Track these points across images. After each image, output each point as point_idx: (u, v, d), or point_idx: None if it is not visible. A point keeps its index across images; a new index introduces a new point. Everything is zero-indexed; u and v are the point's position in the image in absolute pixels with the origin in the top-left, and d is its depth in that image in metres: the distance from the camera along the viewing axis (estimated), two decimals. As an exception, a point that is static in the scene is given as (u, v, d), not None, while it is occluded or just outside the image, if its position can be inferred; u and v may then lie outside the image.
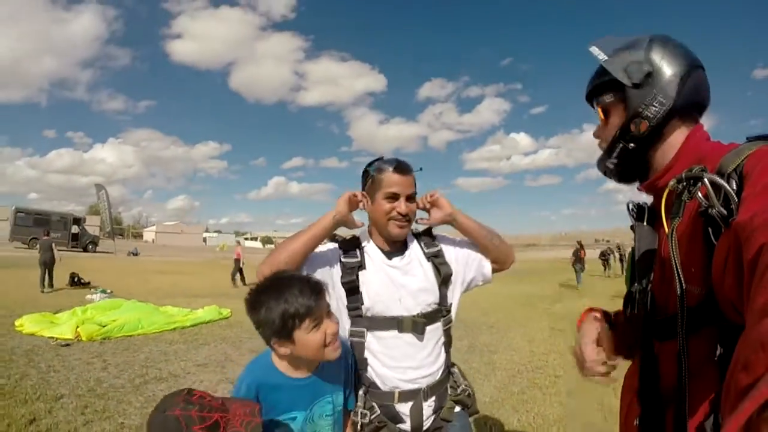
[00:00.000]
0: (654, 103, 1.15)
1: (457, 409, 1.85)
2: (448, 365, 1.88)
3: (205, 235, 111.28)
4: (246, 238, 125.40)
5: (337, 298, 1.77)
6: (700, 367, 0.99)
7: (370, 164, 1.87)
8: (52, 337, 6.69)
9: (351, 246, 1.84)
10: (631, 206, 1.34)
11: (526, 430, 3.98)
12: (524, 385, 5.31)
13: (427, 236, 1.94)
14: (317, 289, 1.50)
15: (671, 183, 1.06)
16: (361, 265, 1.79)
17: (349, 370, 1.70)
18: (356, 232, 1.93)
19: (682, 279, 0.98)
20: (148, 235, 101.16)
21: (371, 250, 1.84)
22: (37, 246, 15.30)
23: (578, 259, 18.22)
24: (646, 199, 1.33)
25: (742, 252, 0.67)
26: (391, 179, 1.76)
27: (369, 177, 1.82)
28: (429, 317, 1.78)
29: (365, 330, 1.75)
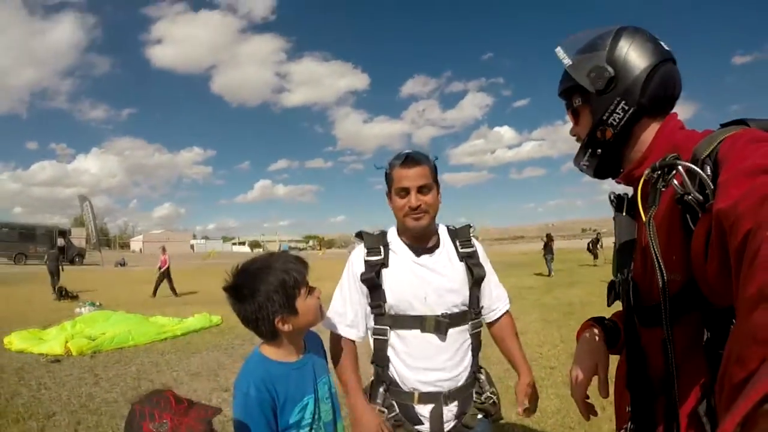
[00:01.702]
0: (617, 110, 1.16)
1: (480, 416, 1.82)
2: (475, 370, 1.85)
3: (192, 242, 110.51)
4: (234, 243, 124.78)
5: (362, 296, 1.79)
6: (687, 352, 1.00)
7: (387, 162, 1.86)
8: (42, 354, 6.61)
9: (375, 243, 1.83)
10: (612, 197, 1.35)
11: (525, 423, 3.97)
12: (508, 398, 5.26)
13: (464, 235, 1.91)
14: (299, 258, 1.56)
15: (646, 172, 1.07)
16: (384, 263, 1.78)
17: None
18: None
19: (662, 266, 0.99)
20: (135, 244, 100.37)
21: (398, 247, 1.83)
22: (45, 257, 17.42)
23: (549, 250, 19.56)
24: (628, 190, 1.33)
25: (727, 239, 0.67)
26: (399, 174, 1.75)
27: (387, 176, 1.83)
28: (454, 319, 1.76)
29: (388, 328, 1.76)
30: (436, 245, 1.85)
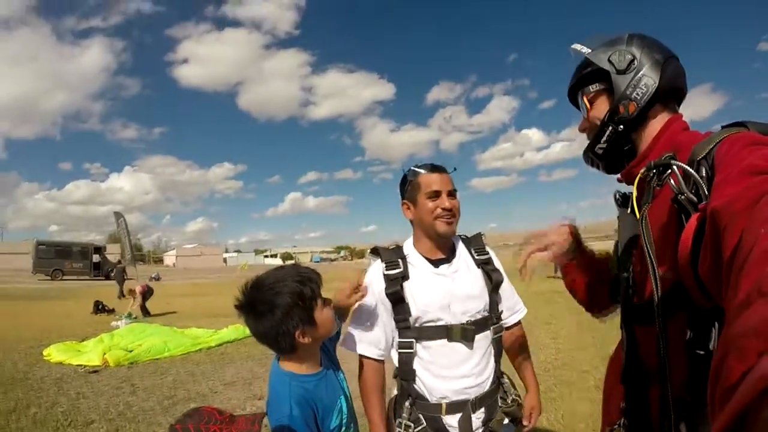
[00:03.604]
0: (640, 85, 1.21)
1: (506, 421, 1.80)
2: (498, 375, 1.83)
3: (225, 255, 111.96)
4: (266, 255, 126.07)
5: (384, 312, 1.76)
6: (674, 350, 1.03)
7: (406, 172, 1.88)
8: (80, 365, 6.73)
9: (393, 257, 1.81)
10: (617, 195, 1.37)
11: (555, 428, 3.91)
12: (551, 383, 5.19)
13: (477, 243, 1.92)
14: (312, 270, 1.56)
15: (642, 171, 1.13)
16: (405, 276, 1.76)
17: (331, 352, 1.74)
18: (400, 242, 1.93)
19: (654, 261, 1.03)
20: (169, 259, 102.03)
21: (416, 260, 1.81)
22: (113, 271, 22.05)
23: None
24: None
25: (721, 237, 0.68)
26: (429, 179, 1.77)
27: (407, 183, 1.83)
28: (478, 325, 1.74)
29: (414, 341, 1.72)
30: (453, 254, 1.85)
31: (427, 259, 1.81)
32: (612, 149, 1.28)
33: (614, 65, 1.22)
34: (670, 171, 1.02)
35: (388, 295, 1.73)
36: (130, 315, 12.13)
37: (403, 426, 1.69)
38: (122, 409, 4.86)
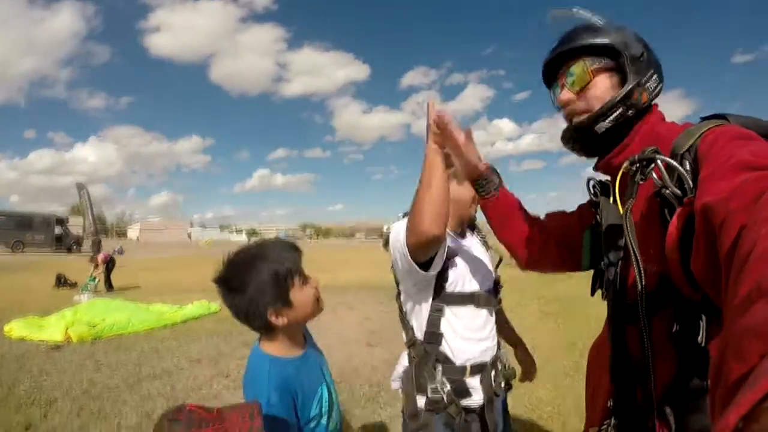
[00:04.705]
0: (652, 79, 1.16)
1: (506, 384, 1.96)
2: (498, 344, 1.98)
3: (189, 230, 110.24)
4: (231, 231, 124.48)
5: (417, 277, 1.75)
6: (661, 344, 1.03)
7: None
8: (43, 341, 6.64)
9: None
10: (592, 183, 1.35)
11: (520, 411, 4.04)
12: (515, 366, 5.25)
13: (472, 224, 2.11)
14: (293, 245, 1.48)
15: (625, 165, 1.07)
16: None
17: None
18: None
19: (638, 258, 1.01)
20: (132, 232, 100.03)
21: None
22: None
23: None
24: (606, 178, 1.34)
25: (716, 233, 0.67)
26: None
27: None
28: (491, 293, 1.93)
29: (445, 305, 1.80)
30: (465, 231, 2.04)
31: (452, 231, 1.93)
32: (612, 132, 1.19)
33: (629, 48, 1.15)
34: (653, 165, 0.99)
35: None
36: (94, 279, 12.00)
37: (429, 389, 1.74)
38: (86, 386, 4.84)
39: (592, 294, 1.42)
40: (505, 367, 1.97)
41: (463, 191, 1.84)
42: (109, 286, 13.16)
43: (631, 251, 1.01)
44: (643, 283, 1.01)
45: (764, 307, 0.40)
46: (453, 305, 1.80)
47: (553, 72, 1.30)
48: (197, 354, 6.17)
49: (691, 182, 0.90)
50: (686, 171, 0.92)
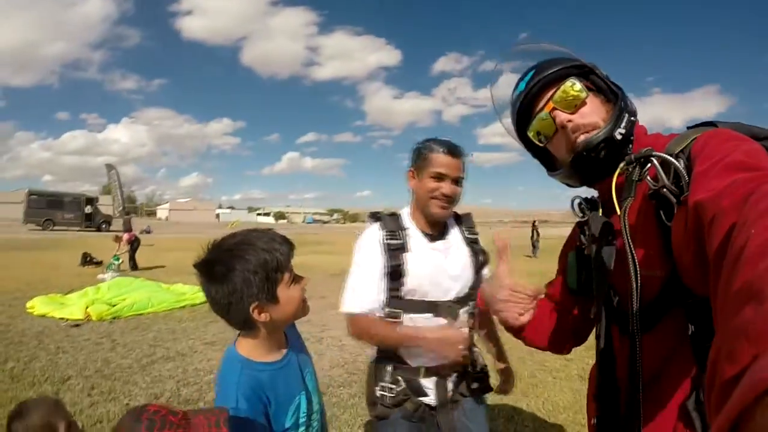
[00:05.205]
0: (629, 102, 1.14)
1: (475, 385, 1.90)
2: (471, 344, 1.90)
3: (218, 211, 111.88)
4: (258, 214, 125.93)
5: (384, 277, 1.78)
6: (676, 347, 1.00)
7: (421, 142, 1.87)
8: (63, 318, 6.76)
9: (395, 227, 1.83)
10: (578, 201, 1.28)
11: (536, 415, 3.93)
12: (534, 369, 5.15)
13: (468, 222, 1.99)
14: (285, 238, 1.36)
15: (621, 166, 1.07)
16: (404, 247, 1.79)
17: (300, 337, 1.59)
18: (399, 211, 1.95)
19: (635, 258, 0.99)
20: (162, 212, 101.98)
21: (413, 232, 1.85)
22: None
23: (537, 235, 21.74)
24: (594, 194, 1.29)
25: (705, 231, 0.67)
26: (440, 159, 1.78)
27: (420, 154, 1.83)
28: (462, 301, 1.83)
29: (402, 312, 1.76)
30: (446, 230, 1.91)
31: (423, 233, 1.86)
32: (619, 146, 1.10)
33: (598, 69, 1.17)
34: (649, 165, 0.99)
35: (390, 266, 1.76)
36: (118, 258, 12.19)
37: (384, 388, 1.79)
38: (100, 365, 4.88)
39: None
40: (476, 369, 1.92)
41: (421, 185, 1.80)
42: (133, 265, 13.36)
43: (629, 252, 0.99)
44: (639, 284, 0.98)
45: (755, 309, 0.40)
46: (410, 312, 1.77)
47: (529, 106, 1.22)
48: (212, 336, 6.18)
49: (687, 178, 0.90)
50: (682, 168, 0.92)
